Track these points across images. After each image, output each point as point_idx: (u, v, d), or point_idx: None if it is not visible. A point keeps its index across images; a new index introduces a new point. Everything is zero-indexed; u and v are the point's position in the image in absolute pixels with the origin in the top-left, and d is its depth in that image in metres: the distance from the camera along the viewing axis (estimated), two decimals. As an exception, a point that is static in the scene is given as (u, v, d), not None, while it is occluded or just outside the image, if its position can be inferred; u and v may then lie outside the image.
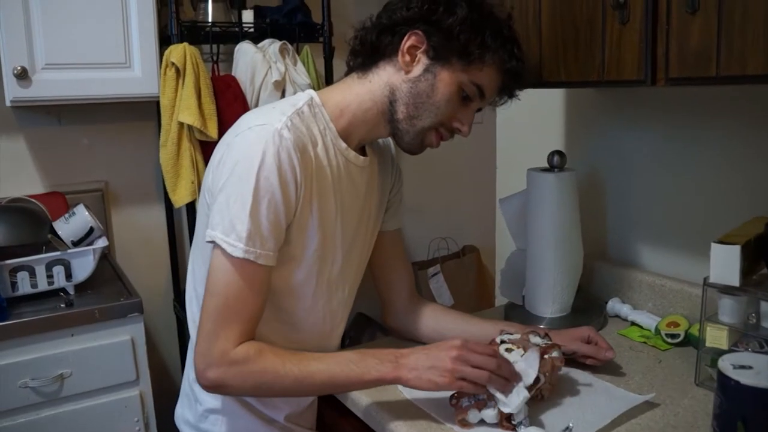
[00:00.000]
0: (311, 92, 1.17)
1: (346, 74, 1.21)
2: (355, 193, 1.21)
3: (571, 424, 1.03)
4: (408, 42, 1.12)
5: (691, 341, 1.37)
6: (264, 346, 1.08)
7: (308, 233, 1.12)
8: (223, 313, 1.05)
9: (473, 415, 1.06)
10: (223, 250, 1.03)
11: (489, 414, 1.05)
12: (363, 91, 1.16)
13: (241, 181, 1.03)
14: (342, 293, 1.24)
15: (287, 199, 1.06)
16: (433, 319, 1.36)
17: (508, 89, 1.19)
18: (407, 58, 1.12)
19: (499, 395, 1.04)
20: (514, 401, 1.03)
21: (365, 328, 2.11)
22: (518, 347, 1.15)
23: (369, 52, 1.17)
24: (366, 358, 1.09)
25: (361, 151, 1.22)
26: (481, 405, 1.06)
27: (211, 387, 1.07)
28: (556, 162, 1.45)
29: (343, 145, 1.16)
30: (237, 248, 1.02)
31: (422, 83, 1.12)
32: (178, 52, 1.71)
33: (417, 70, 1.12)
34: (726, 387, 0.92)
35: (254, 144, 1.04)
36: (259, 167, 1.02)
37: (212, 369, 1.04)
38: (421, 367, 1.06)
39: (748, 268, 1.15)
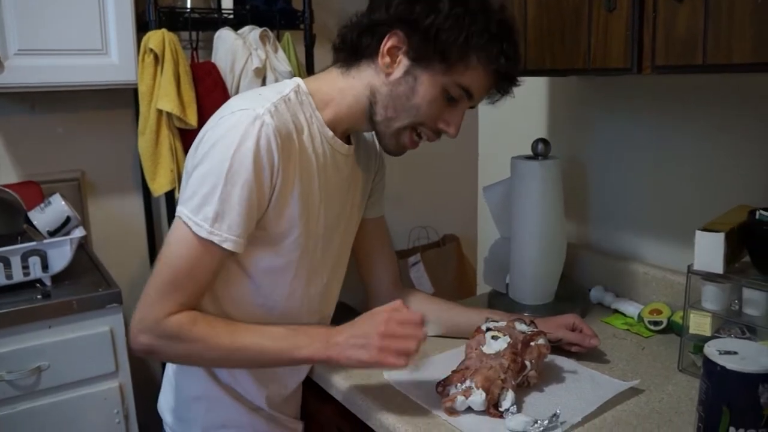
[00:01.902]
0: (298, 80, 1.15)
1: (333, 63, 1.20)
2: (340, 181, 1.20)
3: (558, 411, 1.03)
4: (388, 43, 1.09)
5: (673, 328, 1.38)
6: (198, 316, 1.07)
7: (289, 220, 1.11)
8: (170, 284, 1.04)
9: (460, 403, 1.06)
10: (189, 227, 1.02)
11: (476, 401, 1.05)
12: (346, 86, 1.15)
13: (215, 162, 1.02)
14: (321, 280, 1.23)
15: (260, 184, 1.04)
16: (417, 306, 1.35)
17: (499, 88, 1.14)
18: (387, 59, 1.09)
19: None
20: None
21: (346, 317, 2.10)
22: (504, 334, 1.15)
23: (350, 52, 1.14)
24: (298, 335, 1.09)
25: (347, 139, 1.20)
26: (468, 392, 1.06)
27: (141, 352, 1.06)
28: (541, 150, 1.45)
29: (330, 133, 1.15)
30: (202, 228, 1.01)
31: (402, 86, 1.10)
32: (156, 38, 1.68)
33: (398, 72, 1.10)
34: (712, 372, 0.93)
35: (234, 128, 1.02)
36: (234, 151, 1.01)
37: (144, 335, 1.04)
38: (350, 347, 1.06)
39: (731, 256, 1.16)
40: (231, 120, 1.03)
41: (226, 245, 1.03)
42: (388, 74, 1.10)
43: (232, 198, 1.02)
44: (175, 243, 1.04)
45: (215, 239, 1.02)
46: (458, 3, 1.05)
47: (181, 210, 1.03)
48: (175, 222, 1.05)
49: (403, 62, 1.09)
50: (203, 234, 1.01)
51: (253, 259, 1.11)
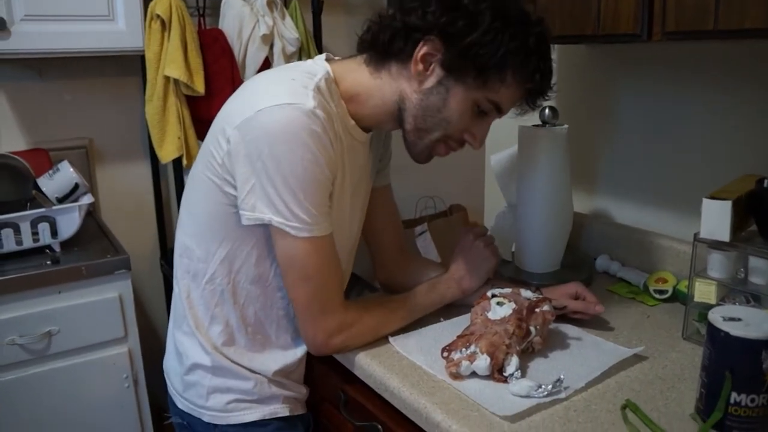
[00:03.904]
0: (326, 66, 1.12)
1: (359, 52, 1.16)
2: (358, 168, 1.20)
3: (562, 376, 1.04)
4: (422, 50, 1.05)
5: (678, 297, 1.38)
6: (361, 303, 1.22)
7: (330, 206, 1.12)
8: (324, 291, 1.10)
9: (465, 367, 1.07)
10: (294, 235, 1.04)
11: (481, 366, 1.06)
12: (373, 87, 1.12)
13: (285, 164, 1.01)
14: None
15: (328, 177, 1.07)
16: (424, 274, 1.36)
17: (529, 103, 1.13)
18: (420, 66, 1.06)
19: None
20: None
21: (353, 286, 2.11)
22: (509, 300, 1.16)
23: (380, 52, 1.10)
24: (436, 287, 1.28)
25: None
26: (473, 357, 1.07)
27: (336, 351, 1.18)
28: (549, 117, 1.43)
29: (352, 122, 1.14)
30: (303, 230, 1.04)
31: (434, 96, 1.07)
32: (163, 4, 1.67)
33: (430, 81, 1.07)
34: (715, 338, 0.93)
35: (292, 124, 1.00)
36: (304, 149, 1.01)
37: (335, 337, 1.13)
38: (471, 278, 1.29)
39: (737, 224, 1.16)
40: (284, 115, 1.01)
41: (328, 231, 1.08)
42: (420, 82, 1.08)
43: (316, 193, 1.04)
44: (297, 257, 1.07)
45: (317, 233, 1.05)
46: (498, 16, 1.02)
47: (277, 221, 1.03)
48: (276, 234, 1.06)
49: (437, 71, 1.06)
50: (305, 234, 1.04)
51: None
